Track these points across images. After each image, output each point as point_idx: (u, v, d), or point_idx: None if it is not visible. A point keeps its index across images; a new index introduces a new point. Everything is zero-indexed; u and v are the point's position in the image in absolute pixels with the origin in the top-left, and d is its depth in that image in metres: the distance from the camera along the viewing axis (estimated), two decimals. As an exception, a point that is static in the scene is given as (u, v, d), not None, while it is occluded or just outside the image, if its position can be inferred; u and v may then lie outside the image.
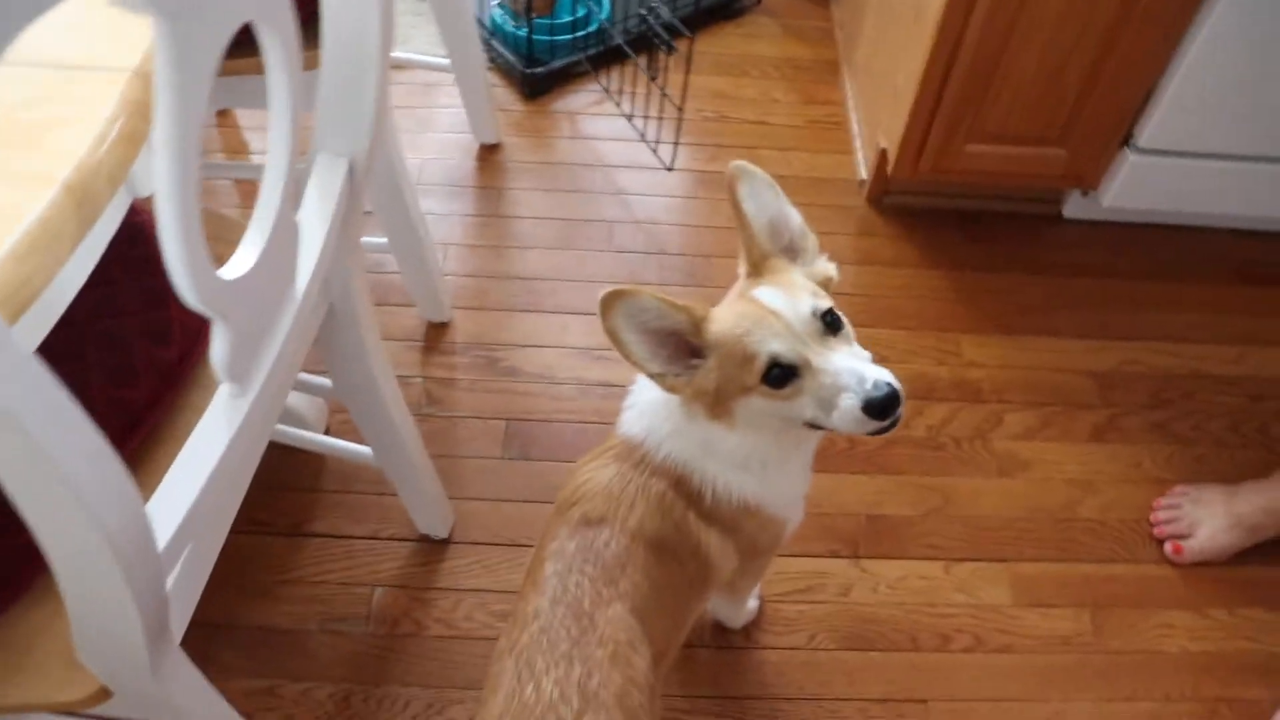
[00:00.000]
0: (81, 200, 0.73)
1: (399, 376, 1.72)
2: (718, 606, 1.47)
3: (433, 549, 1.57)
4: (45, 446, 0.57)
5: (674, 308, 0.97)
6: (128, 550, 0.67)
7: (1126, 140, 1.87)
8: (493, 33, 2.29)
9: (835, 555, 1.61)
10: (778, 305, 0.97)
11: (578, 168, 2.16)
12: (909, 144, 1.89)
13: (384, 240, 1.68)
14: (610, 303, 0.95)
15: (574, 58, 2.28)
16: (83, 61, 0.82)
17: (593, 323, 0.96)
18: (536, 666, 0.95)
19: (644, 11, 2.19)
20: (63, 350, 0.95)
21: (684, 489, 1.07)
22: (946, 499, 1.69)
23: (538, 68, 2.25)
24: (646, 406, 1.09)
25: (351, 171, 0.99)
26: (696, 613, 1.20)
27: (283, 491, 1.62)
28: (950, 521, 1.66)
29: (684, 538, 1.08)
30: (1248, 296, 2.03)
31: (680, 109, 2.09)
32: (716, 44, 2.44)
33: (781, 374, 0.95)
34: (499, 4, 2.29)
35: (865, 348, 1.01)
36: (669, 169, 2.15)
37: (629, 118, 2.22)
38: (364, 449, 1.42)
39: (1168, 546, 1.65)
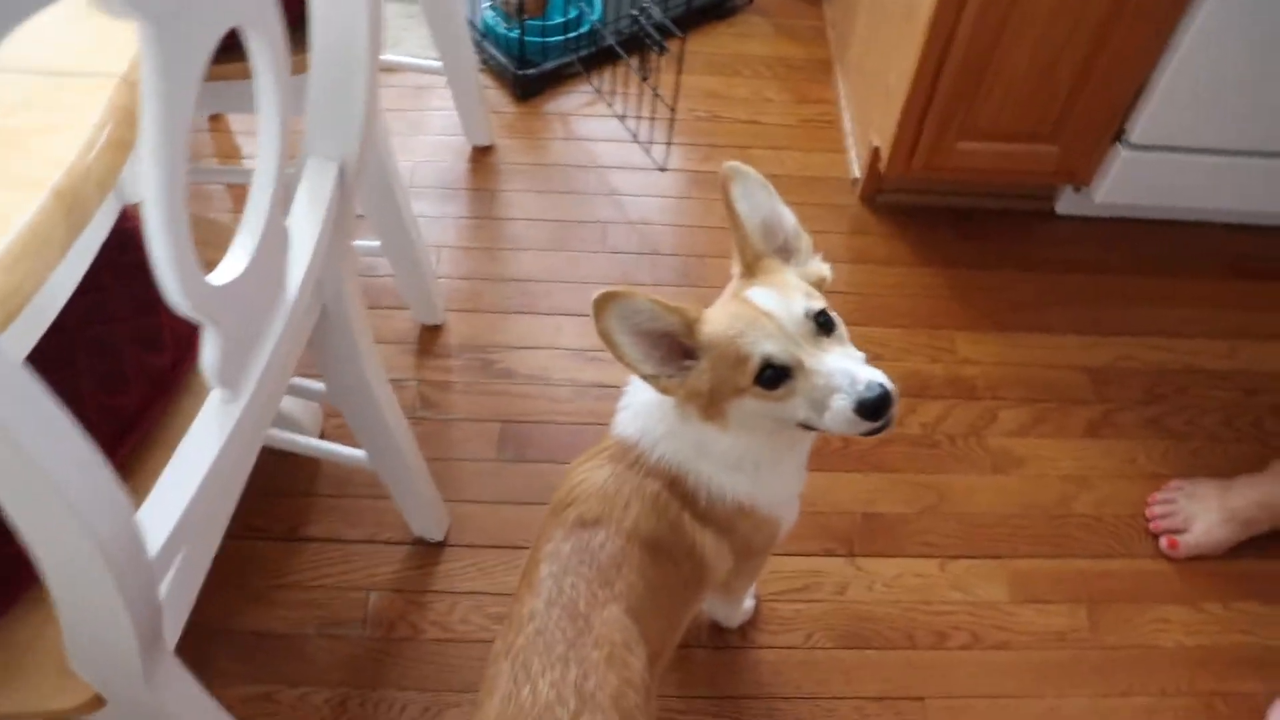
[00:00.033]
0: (71, 206, 0.72)
1: (393, 380, 1.72)
2: (714, 606, 1.47)
3: (428, 552, 1.57)
4: (34, 455, 0.57)
5: (667, 309, 0.97)
6: (119, 558, 0.67)
7: (1118, 136, 1.88)
8: (484, 35, 2.29)
9: (831, 554, 1.61)
10: (771, 306, 0.97)
11: (571, 169, 2.16)
12: (901, 142, 1.89)
13: (377, 243, 1.67)
14: (603, 304, 0.95)
15: (566, 59, 2.28)
16: (70, 68, 0.82)
17: (587, 324, 0.96)
18: (532, 668, 0.95)
19: (635, 12, 2.19)
20: (53, 357, 0.95)
21: (679, 490, 1.07)
22: (941, 496, 1.69)
23: (530, 69, 2.24)
24: (641, 407, 1.09)
25: (342, 175, 0.99)
26: (692, 613, 1.20)
27: (278, 496, 1.62)
28: (945, 519, 1.67)
29: (679, 538, 1.08)
30: (1241, 291, 2.04)
31: (673, 109, 2.09)
32: (709, 44, 2.44)
33: (774, 375, 0.95)
34: (490, 6, 2.29)
35: (859, 346, 1.01)
36: (662, 169, 2.15)
37: (621, 118, 2.22)
38: (358, 453, 1.41)
39: (1163, 541, 1.65)
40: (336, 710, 1.41)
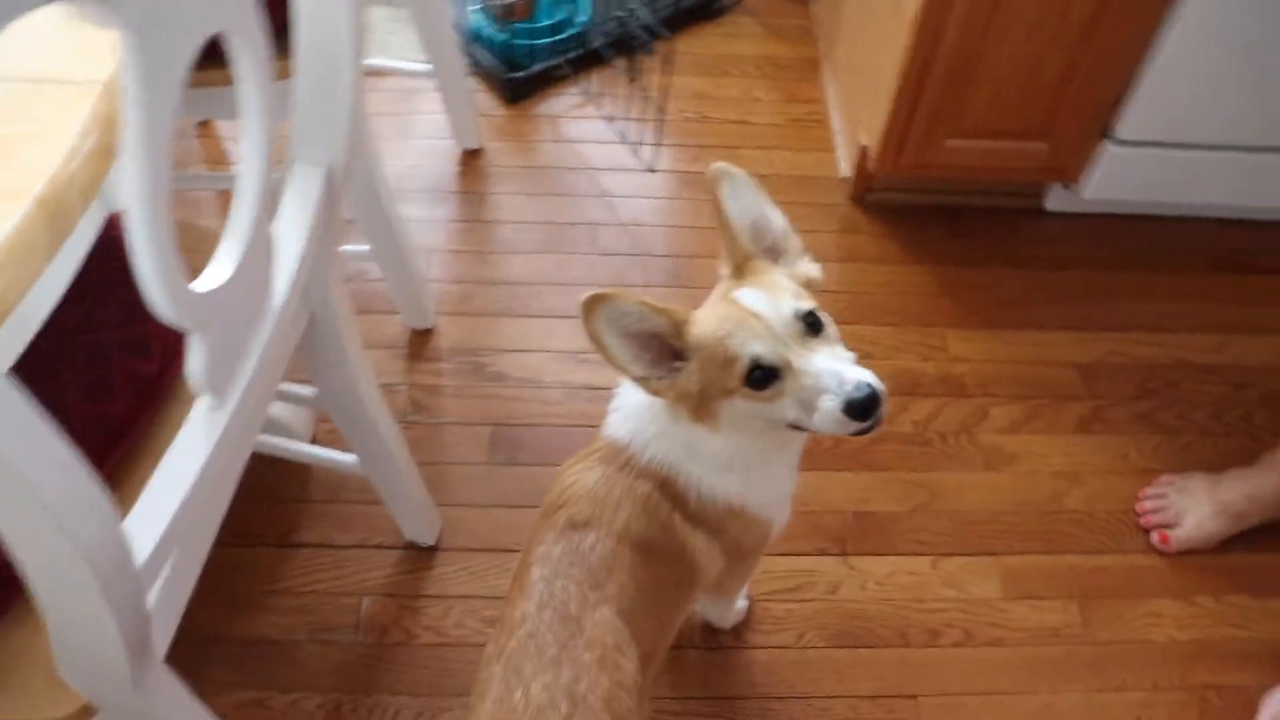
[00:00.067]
0: (54, 214, 0.72)
1: (384, 384, 1.72)
2: (706, 607, 1.47)
3: (421, 556, 1.57)
4: (15, 463, 0.57)
5: (656, 311, 0.97)
6: (105, 567, 0.66)
7: (1106, 132, 1.88)
8: (472, 38, 2.29)
9: (823, 553, 1.61)
10: (759, 307, 0.97)
11: (560, 171, 2.16)
12: (890, 140, 1.89)
13: (366, 248, 1.67)
14: (592, 307, 0.95)
15: (554, 61, 2.28)
16: (54, 75, 0.82)
17: (577, 326, 0.95)
18: (524, 672, 0.95)
19: (622, 14, 2.19)
20: (40, 366, 0.94)
21: (669, 491, 1.07)
22: (933, 494, 1.69)
23: (518, 72, 2.24)
24: (632, 409, 1.09)
25: (329, 181, 0.99)
26: (684, 614, 1.20)
27: (270, 502, 1.61)
28: (937, 516, 1.67)
29: (670, 540, 1.08)
30: (1230, 285, 2.04)
31: (661, 110, 2.09)
32: (697, 44, 2.44)
33: (763, 376, 0.95)
34: (478, 9, 2.29)
35: (850, 345, 1.01)
36: (651, 171, 2.15)
37: (610, 120, 2.22)
38: (349, 457, 1.41)
39: (1154, 536, 1.66)
40: (330, 716, 1.41)
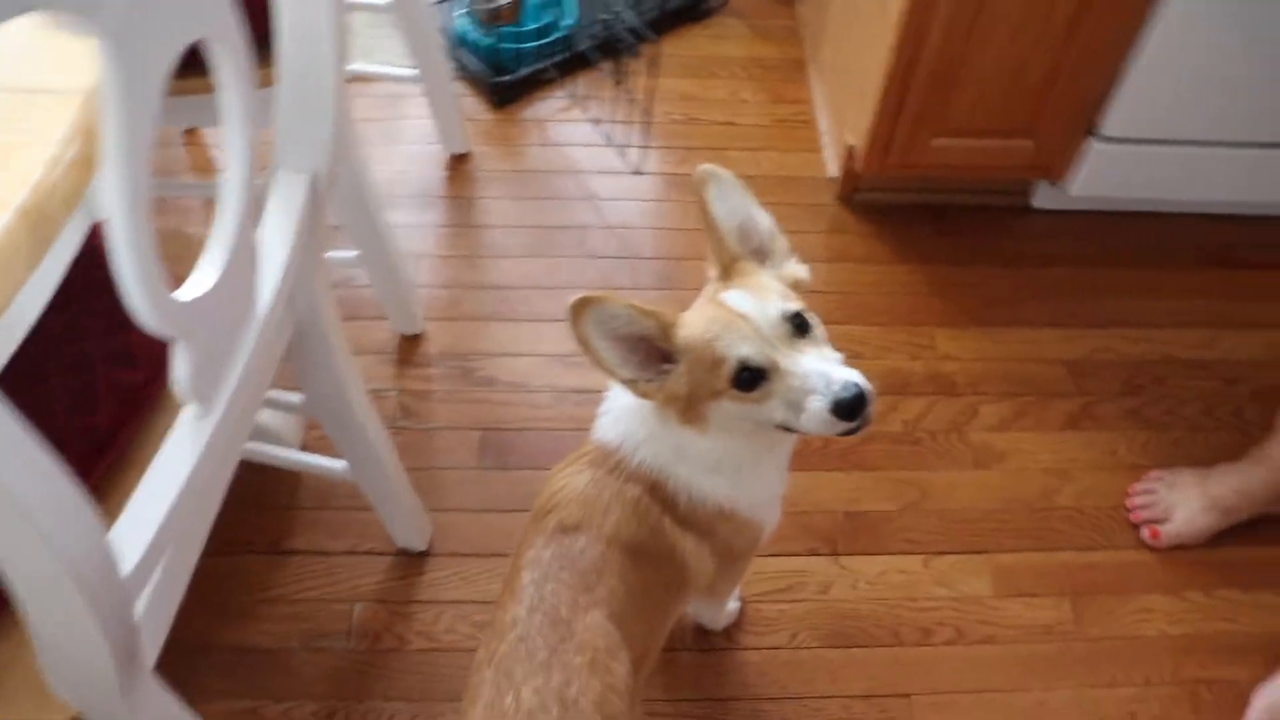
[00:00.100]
0: (36, 224, 0.72)
1: (373, 390, 1.72)
2: (698, 609, 1.47)
3: (412, 562, 1.57)
4: (-1, 476, 0.57)
5: (643, 313, 0.97)
6: (90, 579, 0.66)
7: (1092, 130, 1.88)
8: (458, 42, 2.29)
9: (814, 553, 1.61)
10: (746, 308, 0.97)
11: (548, 175, 2.16)
12: (876, 140, 1.90)
13: (354, 254, 1.67)
14: (579, 310, 0.95)
15: (541, 65, 2.28)
16: (36, 84, 0.81)
17: (566, 330, 0.95)
18: (515, 676, 0.95)
19: (608, 17, 2.19)
20: (26, 376, 0.94)
21: (659, 494, 1.07)
22: (924, 493, 1.70)
23: (504, 76, 2.24)
24: (622, 412, 1.09)
25: (313, 188, 0.99)
26: (675, 617, 1.20)
27: (260, 510, 1.61)
28: (928, 515, 1.67)
29: (660, 543, 1.08)
30: (1218, 280, 2.05)
31: (647, 112, 2.09)
32: (684, 46, 2.44)
33: (750, 377, 0.96)
34: (464, 13, 2.29)
35: (839, 345, 1.01)
36: (638, 173, 2.15)
37: (597, 123, 2.22)
38: (339, 464, 1.41)
39: (1144, 531, 1.66)
40: (323, 723, 1.41)
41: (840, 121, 2.12)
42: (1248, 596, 1.61)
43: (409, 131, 2.20)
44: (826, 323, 1.02)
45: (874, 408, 0.95)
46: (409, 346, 1.83)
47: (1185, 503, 1.65)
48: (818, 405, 0.94)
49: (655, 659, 1.18)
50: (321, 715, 1.42)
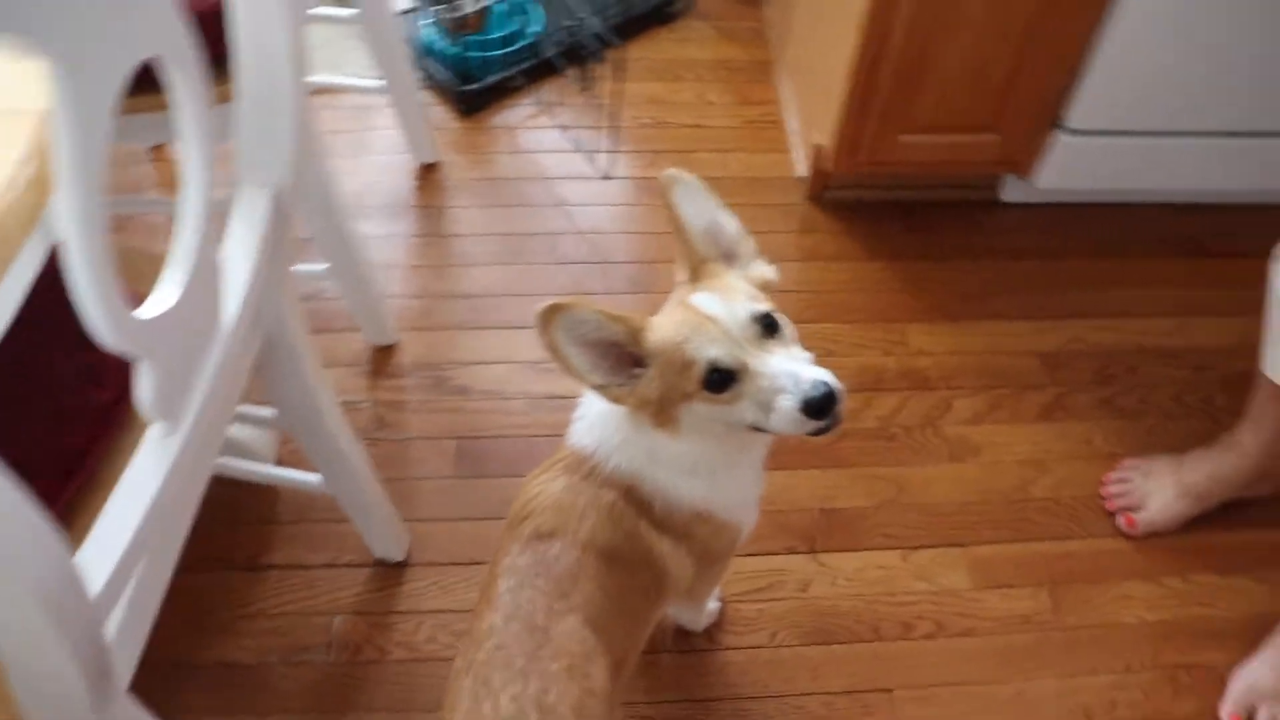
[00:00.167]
0: (-7, 246, 0.72)
1: (347, 402, 1.71)
2: (678, 610, 1.47)
3: (390, 573, 1.56)
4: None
5: (612, 318, 0.98)
6: (57, 602, 0.66)
7: (1057, 123, 1.90)
8: (425, 52, 2.29)
9: (792, 551, 1.62)
10: (715, 311, 0.98)
11: (518, 182, 2.15)
12: (844, 139, 1.91)
13: (324, 266, 1.67)
14: (548, 317, 0.95)
15: (508, 73, 2.27)
16: (-10, 106, 0.81)
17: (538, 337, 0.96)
18: (493, 683, 0.95)
19: (572, 23, 2.19)
20: (-10, 399, 0.93)
21: (634, 498, 1.07)
22: (900, 488, 1.70)
23: (472, 85, 2.24)
24: (596, 418, 1.09)
25: (276, 202, 0.99)
26: (655, 620, 1.20)
27: (237, 525, 1.60)
28: (905, 510, 1.68)
29: (637, 547, 1.08)
30: (1185, 269, 2.07)
31: (614, 117, 2.09)
32: (651, 50, 2.45)
33: (721, 379, 0.96)
34: (430, 23, 2.28)
35: (812, 343, 1.02)
36: (606, 178, 2.15)
37: (565, 129, 2.22)
38: (314, 477, 1.41)
39: (1120, 519, 1.68)
40: (305, 738, 1.41)
41: (808, 121, 2.12)
42: (1224, 581, 1.63)
43: (377, 142, 2.19)
44: (799, 322, 1.03)
45: (844, 406, 0.96)
46: (382, 357, 1.83)
47: (1160, 490, 1.66)
48: (788, 404, 0.94)
49: (635, 662, 1.18)
50: (303, 730, 1.41)
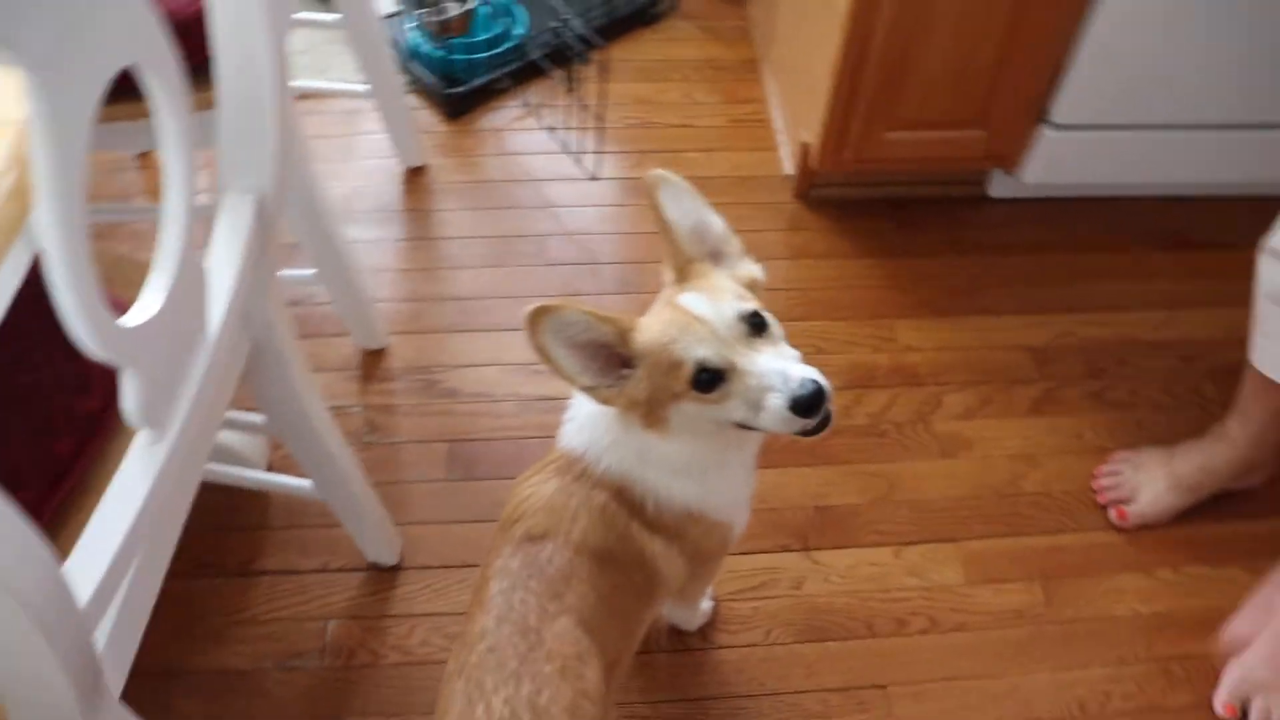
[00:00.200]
0: (-25, 255, 0.71)
1: (338, 406, 1.71)
2: (672, 610, 1.47)
3: (383, 577, 1.56)
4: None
5: (600, 319, 0.98)
6: (45, 611, 0.66)
7: (1042, 117, 1.90)
8: (410, 55, 2.28)
9: (785, 549, 1.62)
10: (702, 310, 0.98)
11: (505, 184, 2.15)
12: (830, 136, 1.91)
13: (312, 271, 1.66)
14: (536, 319, 0.95)
15: (494, 75, 2.27)
16: (-29, 116, 0.80)
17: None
18: (486, 686, 0.95)
19: (557, 25, 2.19)
20: (-24, 410, 0.93)
21: (626, 499, 1.07)
22: (892, 484, 1.70)
23: (458, 87, 2.24)
24: (586, 419, 1.09)
25: (260, 208, 0.98)
26: (648, 620, 1.20)
27: (229, 532, 1.60)
28: (897, 506, 1.68)
29: (629, 547, 1.08)
30: (1173, 261, 2.07)
31: (601, 118, 2.09)
32: (637, 51, 2.45)
33: (709, 378, 0.96)
34: (415, 26, 2.28)
35: (801, 341, 1.02)
36: (595, 179, 2.15)
37: (552, 130, 2.22)
38: (305, 483, 1.40)
39: (1112, 512, 1.68)
40: (299, 744, 1.40)
41: (795, 119, 2.13)
42: (1215, 571, 1.63)
43: (364, 147, 2.19)
44: (788, 320, 1.03)
45: (833, 404, 0.96)
46: (372, 361, 1.82)
47: (1150, 482, 1.67)
48: (776, 403, 0.94)
49: (629, 663, 1.18)
50: (298, 736, 1.41)
